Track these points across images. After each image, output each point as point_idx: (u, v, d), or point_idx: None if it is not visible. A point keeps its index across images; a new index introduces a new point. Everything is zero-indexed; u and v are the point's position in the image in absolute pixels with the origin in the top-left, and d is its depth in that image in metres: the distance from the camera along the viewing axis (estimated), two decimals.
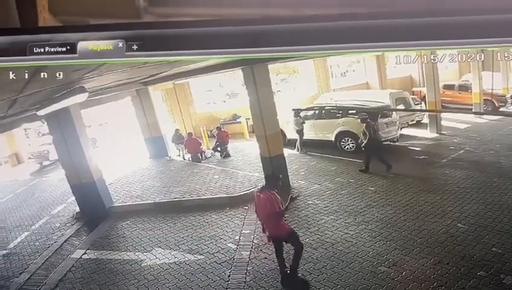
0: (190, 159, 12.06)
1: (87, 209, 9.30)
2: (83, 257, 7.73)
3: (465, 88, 12.76)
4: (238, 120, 13.19)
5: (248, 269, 6.71)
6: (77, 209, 9.41)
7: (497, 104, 12.24)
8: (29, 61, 3.29)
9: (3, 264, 7.77)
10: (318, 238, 7.23)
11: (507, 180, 8.53)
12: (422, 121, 12.33)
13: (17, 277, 7.27)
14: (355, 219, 7.80)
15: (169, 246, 7.64)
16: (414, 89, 13.89)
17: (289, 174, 9.78)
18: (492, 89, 11.77)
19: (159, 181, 10.76)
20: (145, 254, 7.52)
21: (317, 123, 11.53)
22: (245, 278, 6.49)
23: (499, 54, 3.58)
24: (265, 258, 6.92)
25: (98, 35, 3.27)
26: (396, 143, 11.19)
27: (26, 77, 3.54)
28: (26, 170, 12.55)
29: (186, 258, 7.20)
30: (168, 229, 8.27)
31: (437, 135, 11.64)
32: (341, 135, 11.05)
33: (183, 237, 7.90)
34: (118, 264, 7.30)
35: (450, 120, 12.19)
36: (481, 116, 12.31)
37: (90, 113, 11.19)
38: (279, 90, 13.38)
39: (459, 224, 7.17)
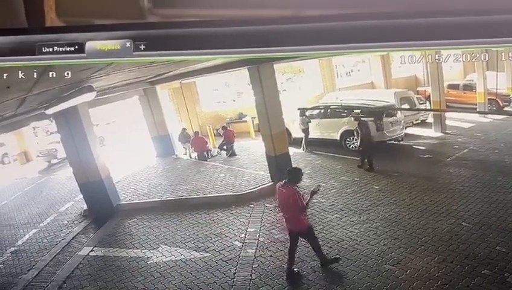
0: (196, 157, 12.08)
1: (94, 207, 9.36)
2: (90, 254, 7.80)
3: (469, 88, 12.70)
4: (244, 119, 13.22)
5: (254, 266, 6.72)
6: (85, 207, 9.48)
7: (501, 104, 12.18)
8: (38, 61, 3.31)
9: (12, 261, 7.84)
10: (323, 236, 7.22)
11: (511, 179, 8.51)
12: (426, 121, 12.25)
13: (25, 274, 7.34)
14: (360, 217, 7.80)
15: (176, 244, 7.69)
16: (419, 88, 13.83)
17: None
18: (496, 89, 11.71)
19: (165, 179, 10.79)
20: (151, 251, 7.56)
21: (322, 122, 11.52)
22: (250, 276, 6.50)
23: (503, 54, 3.58)
24: (271, 256, 6.94)
25: (105, 35, 3.29)
26: (401, 142, 11.16)
27: (35, 76, 3.57)
28: (35, 168, 12.61)
29: (192, 256, 7.23)
30: (174, 227, 8.31)
31: (441, 134, 11.57)
32: (346, 134, 11.02)
33: (189, 235, 7.94)
34: (124, 262, 7.35)
35: (454, 119, 12.12)
36: (485, 115, 12.24)
37: (97, 112, 11.26)
38: (284, 90, 13.39)
39: (463, 223, 7.15)
